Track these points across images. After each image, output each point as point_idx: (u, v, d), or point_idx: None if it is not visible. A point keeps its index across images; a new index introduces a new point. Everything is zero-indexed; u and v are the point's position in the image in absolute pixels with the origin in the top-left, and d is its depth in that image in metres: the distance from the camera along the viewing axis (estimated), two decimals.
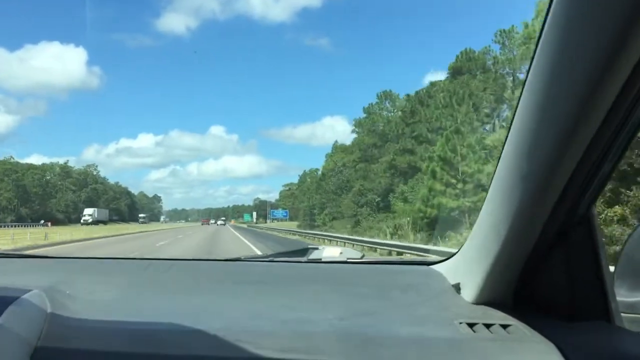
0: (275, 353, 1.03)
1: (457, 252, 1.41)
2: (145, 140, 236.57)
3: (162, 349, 1.05)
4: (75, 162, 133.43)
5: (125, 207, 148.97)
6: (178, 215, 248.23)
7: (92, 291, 1.34)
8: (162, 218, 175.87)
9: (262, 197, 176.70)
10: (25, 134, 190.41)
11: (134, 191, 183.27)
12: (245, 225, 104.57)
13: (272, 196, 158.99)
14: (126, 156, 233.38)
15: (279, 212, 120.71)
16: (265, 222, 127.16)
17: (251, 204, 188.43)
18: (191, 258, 1.99)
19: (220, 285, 1.52)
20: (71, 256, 2.23)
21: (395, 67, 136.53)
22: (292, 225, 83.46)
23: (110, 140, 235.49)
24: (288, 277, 1.60)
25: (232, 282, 1.54)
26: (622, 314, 1.08)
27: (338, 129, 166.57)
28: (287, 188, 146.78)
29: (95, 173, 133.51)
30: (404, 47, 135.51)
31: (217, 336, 1.06)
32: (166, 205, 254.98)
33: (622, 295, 1.11)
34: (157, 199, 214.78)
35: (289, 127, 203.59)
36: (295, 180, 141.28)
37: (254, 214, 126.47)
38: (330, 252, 1.88)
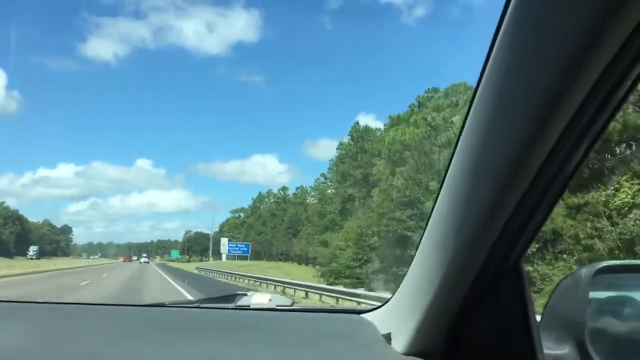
0: None
1: (388, 300, 1.42)
2: (65, 171, 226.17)
3: None
4: None
5: (12, 236, 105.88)
6: (94, 249, 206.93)
7: None
8: (30, 251, 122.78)
9: (194, 231, 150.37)
10: None
11: (38, 220, 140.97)
12: (186, 268, 62.88)
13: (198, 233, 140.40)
14: (43, 187, 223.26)
15: (236, 246, 78.85)
16: (202, 260, 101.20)
17: (179, 239, 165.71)
18: (110, 303, 1.91)
19: (142, 333, 1.43)
20: None
21: (325, 111, 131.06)
22: (269, 269, 44.81)
23: (27, 169, 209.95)
24: (214, 324, 1.53)
25: (154, 329, 1.45)
26: None
27: (269, 167, 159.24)
28: (235, 215, 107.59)
29: None
30: (334, 92, 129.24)
31: None
32: (83, 239, 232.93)
33: (549, 348, 1.14)
34: (66, 229, 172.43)
35: (218, 163, 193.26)
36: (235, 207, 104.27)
37: (225, 241, 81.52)
38: (258, 298, 1.82)
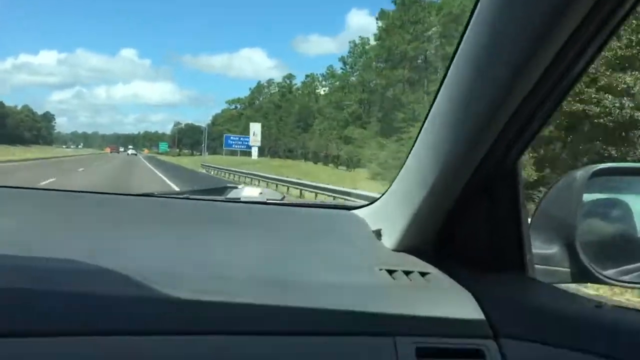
0: (185, 294, 0.97)
1: (380, 197, 1.42)
2: (47, 57, 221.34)
3: (55, 287, 0.93)
4: None
5: None
6: (78, 139, 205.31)
7: None
8: None
9: (184, 123, 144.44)
10: None
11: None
12: (182, 163, 52.85)
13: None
14: (26, 73, 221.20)
15: (238, 140, 67.35)
16: (192, 155, 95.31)
17: (167, 132, 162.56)
18: (98, 191, 1.76)
19: (129, 222, 1.38)
20: None
21: (316, 5, 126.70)
22: (281, 167, 35.54)
23: (7, 54, 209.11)
24: (204, 216, 1.50)
25: (142, 219, 1.42)
26: (537, 266, 1.15)
27: (257, 62, 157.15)
28: (232, 107, 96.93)
29: None
30: None
31: (120, 275, 0.97)
32: (67, 128, 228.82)
33: (537, 248, 1.17)
34: (49, 116, 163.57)
35: (205, 55, 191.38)
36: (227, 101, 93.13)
37: (257, 127, 64.22)
38: (249, 192, 1.83)
